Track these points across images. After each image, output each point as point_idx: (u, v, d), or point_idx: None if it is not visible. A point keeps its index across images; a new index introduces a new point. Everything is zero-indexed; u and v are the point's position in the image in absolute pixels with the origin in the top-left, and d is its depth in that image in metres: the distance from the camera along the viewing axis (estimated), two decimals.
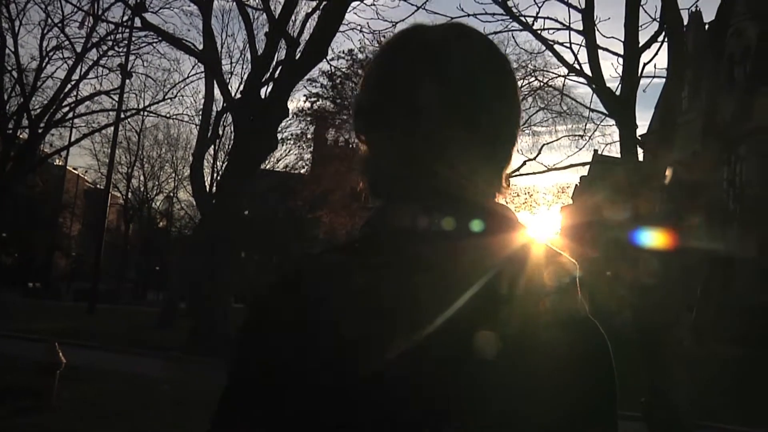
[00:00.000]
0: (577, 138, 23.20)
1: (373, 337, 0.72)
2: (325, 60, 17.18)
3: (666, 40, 4.42)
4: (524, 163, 31.84)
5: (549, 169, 21.84)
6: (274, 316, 0.77)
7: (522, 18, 5.25)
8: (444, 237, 0.77)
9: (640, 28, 4.43)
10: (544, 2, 4.92)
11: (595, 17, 4.66)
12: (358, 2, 15.57)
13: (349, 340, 0.72)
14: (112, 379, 9.78)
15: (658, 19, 4.72)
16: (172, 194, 51.17)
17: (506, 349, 0.73)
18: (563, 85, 11.73)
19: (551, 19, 5.52)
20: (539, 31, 5.13)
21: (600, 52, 4.83)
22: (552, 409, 0.74)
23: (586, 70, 4.98)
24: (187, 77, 34.98)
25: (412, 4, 6.89)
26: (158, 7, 21.50)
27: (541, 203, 31.05)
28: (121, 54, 25.59)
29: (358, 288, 0.74)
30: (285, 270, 0.80)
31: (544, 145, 31.40)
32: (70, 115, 28.59)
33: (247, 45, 17.43)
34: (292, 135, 34.23)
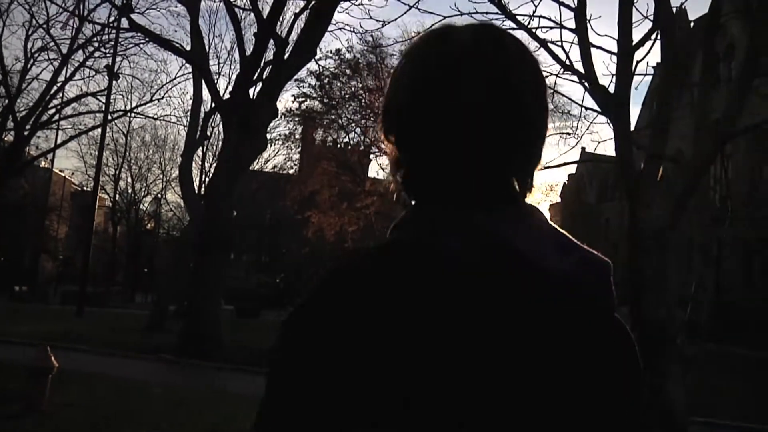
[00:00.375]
0: (565, 136, 23.27)
1: (452, 381, 0.70)
2: (313, 60, 17.17)
3: (659, 37, 4.45)
4: None
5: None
6: (314, 349, 0.72)
7: (517, 17, 5.25)
8: (503, 243, 0.76)
9: (633, 26, 4.47)
10: (541, 1, 4.95)
11: (588, 15, 4.69)
12: (347, 2, 15.51)
13: (422, 383, 0.69)
14: (103, 382, 9.70)
15: (650, 17, 4.74)
16: (160, 196, 50.91)
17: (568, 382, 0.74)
18: (555, 83, 11.73)
19: (544, 17, 5.53)
20: (534, 30, 5.12)
21: (591, 50, 4.85)
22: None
23: (578, 68, 5.00)
24: (175, 78, 34.98)
25: (405, 3, 6.87)
26: (145, 8, 21.39)
27: (528, 201, 31.05)
28: (108, 55, 25.43)
29: (430, 314, 0.71)
30: (324, 289, 0.75)
31: None
32: (57, 117, 28.38)
33: (235, 45, 17.40)
34: (280, 135, 34.20)
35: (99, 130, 27.55)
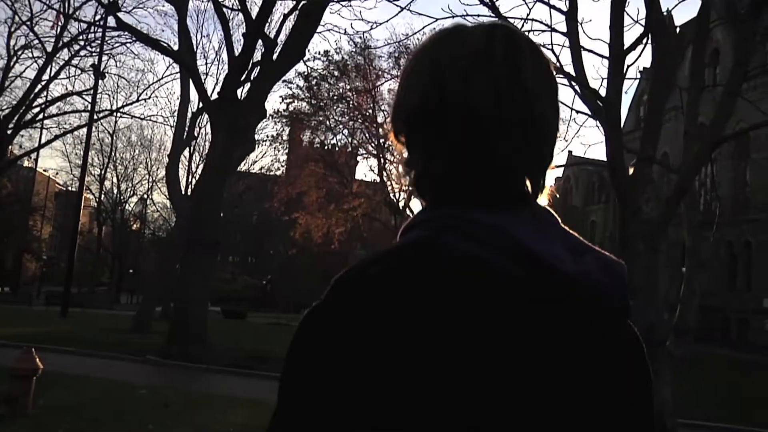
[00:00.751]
0: None
1: (464, 386, 0.69)
2: (301, 61, 17.13)
3: (650, 41, 4.47)
4: None
5: None
6: (327, 357, 0.71)
7: (508, 20, 5.25)
8: (517, 246, 0.75)
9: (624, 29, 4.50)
10: (535, 4, 4.94)
11: (579, 19, 4.70)
12: (337, 4, 15.50)
13: (433, 388, 0.68)
14: (88, 384, 9.61)
15: (641, 22, 4.77)
16: (146, 196, 50.58)
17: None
18: None
19: (536, 20, 5.53)
20: (526, 33, 5.12)
21: (582, 53, 4.86)
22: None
23: (569, 71, 5.01)
24: (162, 78, 34.83)
25: (396, 5, 6.87)
26: (132, 7, 21.22)
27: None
28: (94, 54, 25.26)
29: (444, 319, 0.71)
30: (339, 290, 0.74)
31: None
32: (41, 116, 28.17)
33: (223, 45, 17.35)
34: (267, 136, 34.02)
35: (84, 129, 27.37)
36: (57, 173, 50.20)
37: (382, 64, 32.44)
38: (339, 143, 34.79)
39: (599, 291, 0.75)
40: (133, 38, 20.72)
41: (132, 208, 53.21)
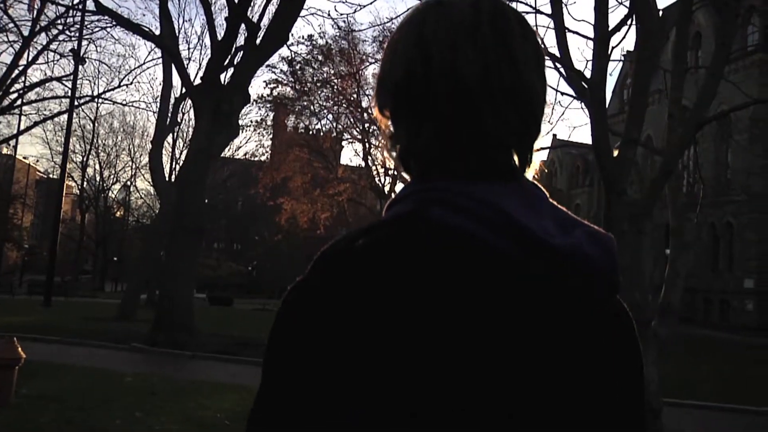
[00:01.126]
0: None
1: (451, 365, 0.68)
2: (285, 45, 16.98)
3: (635, 23, 4.46)
4: None
5: None
6: (311, 332, 0.70)
7: None
8: (507, 219, 0.73)
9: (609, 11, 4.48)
10: None
11: (563, 0, 4.67)
12: None
13: (420, 366, 0.67)
14: (73, 373, 9.54)
15: (625, 4, 4.76)
16: (129, 183, 50.20)
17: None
18: None
19: (521, 2, 5.51)
20: None
21: (567, 35, 4.84)
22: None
23: (554, 53, 4.98)
24: (144, 63, 34.46)
25: None
26: None
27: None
28: (73, 39, 24.84)
29: (430, 295, 0.69)
30: (323, 265, 0.73)
31: None
32: (19, 102, 27.74)
33: (206, 30, 17.11)
34: (251, 122, 33.86)
35: (65, 116, 26.99)
36: (37, 161, 49.70)
37: (366, 49, 32.35)
38: (324, 128, 34.69)
39: (590, 264, 0.74)
40: (114, 22, 20.38)
41: (115, 195, 52.89)
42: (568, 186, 46.75)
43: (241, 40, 16.48)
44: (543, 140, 0.85)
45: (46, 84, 27.56)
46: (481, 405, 0.67)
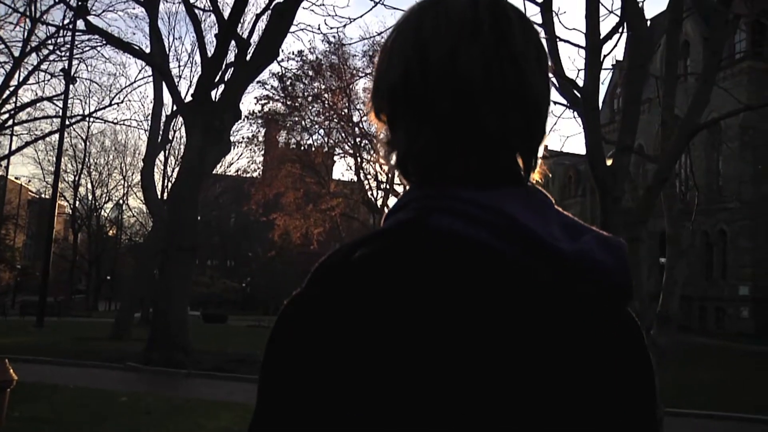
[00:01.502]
0: None
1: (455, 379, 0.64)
2: (275, 61, 17.00)
3: (626, 30, 4.47)
4: None
5: None
6: (310, 347, 0.66)
7: None
8: (513, 224, 0.70)
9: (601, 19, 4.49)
10: None
11: (555, 9, 4.69)
12: (309, 2, 15.42)
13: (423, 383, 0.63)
14: (66, 394, 9.42)
15: (616, 12, 4.77)
16: (121, 202, 50.01)
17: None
18: None
19: None
20: None
21: (559, 44, 4.84)
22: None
23: None
24: (135, 82, 34.41)
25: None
26: (101, 10, 20.82)
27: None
28: (64, 58, 24.83)
29: (433, 310, 0.65)
30: (321, 276, 0.69)
31: None
32: (10, 122, 27.67)
33: (196, 47, 17.13)
34: (243, 138, 33.84)
35: (56, 135, 26.93)
36: (29, 181, 49.49)
37: (356, 63, 32.50)
38: (315, 143, 34.72)
39: (600, 271, 0.71)
40: (104, 42, 20.41)
41: (108, 214, 52.64)
42: (561, 197, 46.85)
43: (231, 57, 16.51)
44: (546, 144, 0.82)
45: (37, 104, 27.56)
46: (492, 421, 0.64)
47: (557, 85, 4.80)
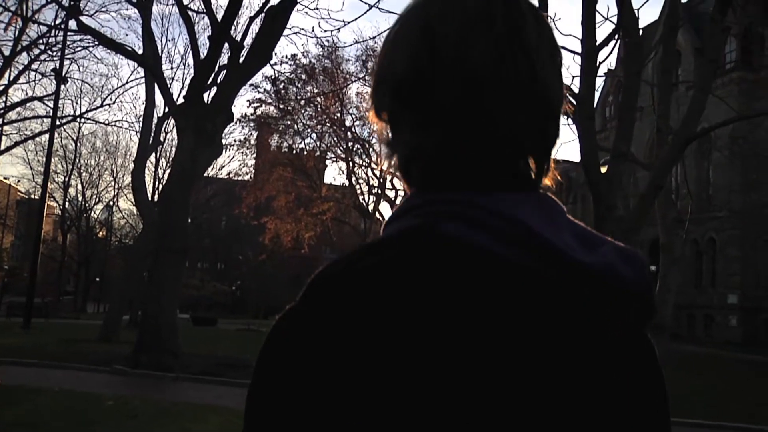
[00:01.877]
0: None
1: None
2: (268, 64, 16.95)
3: (622, 37, 4.46)
4: None
5: None
6: (309, 369, 0.59)
7: None
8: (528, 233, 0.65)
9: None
10: None
11: (551, 14, 4.67)
12: (303, 6, 15.39)
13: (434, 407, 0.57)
14: (52, 397, 9.30)
15: (611, 20, 4.75)
16: (112, 203, 49.69)
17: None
18: None
19: None
20: None
21: None
22: None
23: None
24: (127, 83, 34.16)
25: (365, 3, 6.81)
26: (94, 11, 20.65)
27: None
28: (55, 58, 24.65)
29: (447, 326, 0.59)
30: (321, 288, 0.62)
31: None
32: (0, 122, 27.45)
33: (189, 49, 17.04)
34: (235, 141, 33.75)
35: (46, 135, 26.71)
36: (18, 181, 49.08)
37: (349, 68, 32.51)
38: (307, 147, 34.69)
39: (624, 286, 0.66)
40: (96, 42, 20.28)
41: (98, 216, 52.29)
42: None
43: (224, 59, 16.43)
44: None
45: (28, 104, 27.35)
46: None
47: None
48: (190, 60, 18.05)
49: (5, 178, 50.91)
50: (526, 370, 0.60)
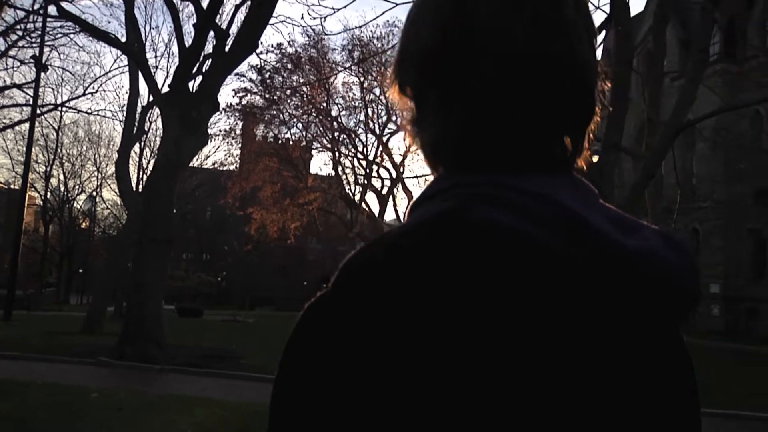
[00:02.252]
0: None
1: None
2: (254, 53, 16.79)
3: (614, 26, 4.42)
4: None
5: None
6: (344, 363, 0.55)
7: None
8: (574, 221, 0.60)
9: None
10: None
11: None
12: None
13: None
14: (35, 391, 9.19)
15: (604, 8, 4.73)
16: (95, 193, 49.20)
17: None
18: None
19: None
20: None
21: None
22: None
23: None
24: (110, 71, 33.58)
25: None
26: None
27: None
28: (34, 45, 24.22)
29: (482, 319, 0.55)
30: (353, 275, 0.58)
31: None
32: None
33: (173, 38, 16.84)
34: (220, 131, 33.53)
35: (26, 124, 26.33)
36: None
37: (335, 57, 32.35)
38: (293, 137, 34.54)
39: (670, 272, 0.62)
40: (78, 29, 19.95)
41: (81, 206, 51.77)
42: None
43: (209, 48, 16.26)
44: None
45: (6, 91, 26.92)
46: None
47: None
48: (175, 48, 17.86)
49: None
50: (569, 353, 0.56)
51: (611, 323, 0.59)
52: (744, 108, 21.89)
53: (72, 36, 23.83)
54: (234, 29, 16.03)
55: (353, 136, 33.62)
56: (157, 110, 20.78)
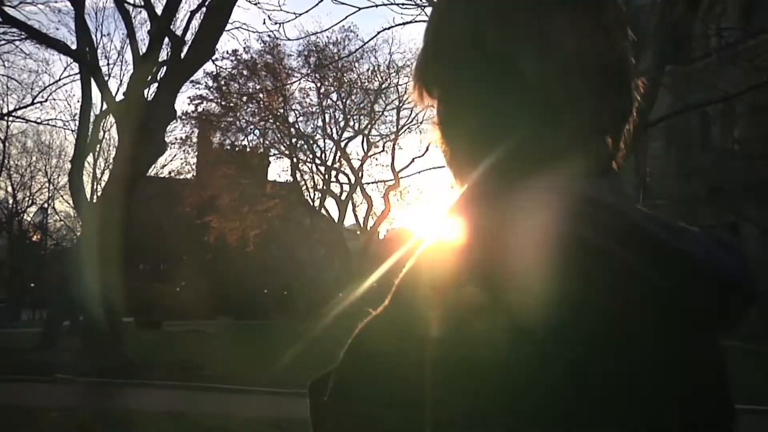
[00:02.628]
0: None
1: None
2: (210, 60, 16.58)
3: None
4: (412, 160, 32.74)
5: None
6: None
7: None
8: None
9: None
10: None
11: None
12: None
13: None
14: None
15: None
16: (46, 205, 47.83)
17: None
18: None
19: None
20: None
21: None
22: None
23: None
24: (60, 79, 32.48)
25: None
26: (18, 1, 19.22)
27: (432, 200, 31.71)
28: None
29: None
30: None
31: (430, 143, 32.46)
32: None
33: (127, 44, 16.52)
34: (176, 139, 32.95)
35: None
36: None
37: (291, 63, 32.12)
38: (250, 144, 34.24)
39: (726, 273, 0.59)
40: (24, 35, 19.34)
41: (31, 219, 50.28)
42: None
43: (164, 55, 15.98)
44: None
45: None
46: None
47: None
48: (128, 56, 17.47)
49: None
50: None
51: (666, 325, 0.56)
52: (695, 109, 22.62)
53: (17, 43, 23.09)
54: (190, 36, 15.81)
55: (311, 142, 33.52)
56: (111, 119, 20.31)
